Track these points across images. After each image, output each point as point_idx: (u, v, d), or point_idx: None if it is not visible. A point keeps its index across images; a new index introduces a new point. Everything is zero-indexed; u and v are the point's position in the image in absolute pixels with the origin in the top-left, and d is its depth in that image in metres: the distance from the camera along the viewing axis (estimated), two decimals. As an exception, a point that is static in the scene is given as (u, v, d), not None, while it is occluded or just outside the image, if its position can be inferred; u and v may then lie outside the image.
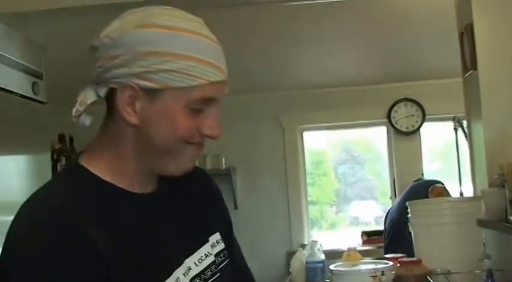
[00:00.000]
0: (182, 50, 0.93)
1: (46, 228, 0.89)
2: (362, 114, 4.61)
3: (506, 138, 2.27)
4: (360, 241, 4.55)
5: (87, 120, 1.02)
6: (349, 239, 4.64)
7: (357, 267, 2.21)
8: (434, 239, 2.34)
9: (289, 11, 3.33)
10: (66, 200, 0.93)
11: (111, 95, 0.98)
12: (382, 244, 3.84)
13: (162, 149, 0.98)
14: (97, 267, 0.88)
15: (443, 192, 2.44)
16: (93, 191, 0.97)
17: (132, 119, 0.96)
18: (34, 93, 2.50)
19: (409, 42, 3.82)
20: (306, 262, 3.22)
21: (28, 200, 0.97)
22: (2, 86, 2.25)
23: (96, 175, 0.98)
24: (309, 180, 4.93)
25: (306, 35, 3.61)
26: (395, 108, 4.55)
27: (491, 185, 2.20)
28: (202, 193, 1.16)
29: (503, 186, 1.95)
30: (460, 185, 4.00)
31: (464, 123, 3.29)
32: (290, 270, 3.39)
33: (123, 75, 0.94)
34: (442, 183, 2.86)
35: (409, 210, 2.46)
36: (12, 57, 2.34)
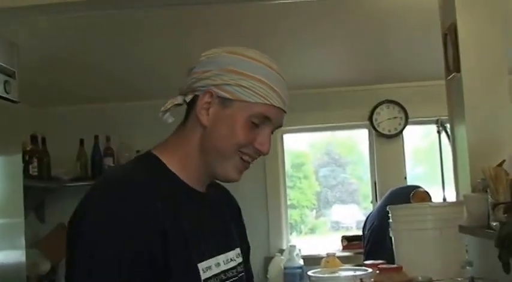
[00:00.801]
0: (256, 73, 1.20)
1: (126, 198, 1.10)
2: (344, 116, 4.54)
3: (489, 142, 2.23)
4: (340, 246, 4.47)
5: (169, 119, 1.28)
6: (330, 244, 4.58)
7: (336, 274, 2.16)
8: (415, 245, 2.29)
9: (270, 10, 3.28)
10: (143, 180, 1.15)
11: (192, 102, 1.23)
12: (362, 250, 3.80)
13: (219, 150, 1.21)
14: (158, 237, 1.09)
15: (426, 197, 2.40)
16: (162, 177, 1.19)
17: (205, 120, 1.21)
18: (6, 92, 2.44)
19: (392, 43, 3.78)
20: (284, 268, 3.18)
21: (105, 177, 1.24)
22: (-27, 84, 2.18)
23: (165, 164, 1.22)
24: (289, 183, 4.86)
25: (285, 34, 3.56)
26: (378, 110, 4.48)
27: (473, 190, 2.16)
28: (229, 208, 1.41)
29: (486, 191, 1.92)
30: (444, 190, 3.96)
31: (448, 126, 3.27)
32: (267, 276, 3.34)
33: (207, 85, 1.21)
34: (422, 188, 2.82)
35: (390, 215, 2.41)
36: (-16, 56, 2.28)
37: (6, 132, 2.48)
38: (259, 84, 1.20)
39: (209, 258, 1.20)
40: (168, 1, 2.63)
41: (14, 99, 2.51)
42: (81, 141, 4.33)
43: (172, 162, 1.23)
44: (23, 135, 3.20)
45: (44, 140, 4.11)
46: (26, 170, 3.57)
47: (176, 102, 1.26)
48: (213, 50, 1.26)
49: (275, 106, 1.21)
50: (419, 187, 2.74)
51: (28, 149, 3.78)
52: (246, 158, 1.23)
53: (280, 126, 1.26)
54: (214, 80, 1.20)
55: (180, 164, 1.23)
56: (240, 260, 1.33)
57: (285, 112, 1.25)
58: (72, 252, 1.08)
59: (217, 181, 1.30)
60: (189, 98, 1.24)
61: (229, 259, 1.28)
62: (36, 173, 3.84)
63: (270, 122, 1.23)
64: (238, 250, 1.34)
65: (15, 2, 2.52)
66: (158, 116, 1.27)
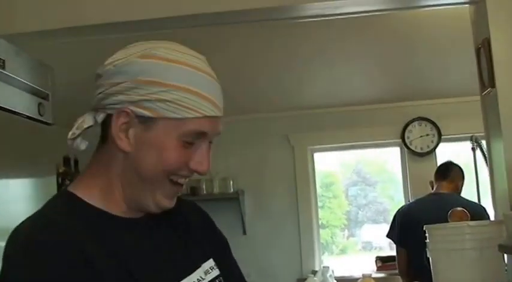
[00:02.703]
0: (180, 81, 0.96)
1: (42, 240, 0.90)
2: (374, 134, 4.51)
3: (528, 158, 2.18)
4: (374, 267, 4.39)
5: (82, 145, 1.05)
6: (362, 264, 4.51)
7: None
8: (453, 265, 2.23)
9: (301, 30, 3.28)
10: (53, 224, 0.94)
11: (107, 122, 1.01)
12: (397, 270, 3.73)
13: (145, 178, 0.99)
14: (90, 274, 0.89)
15: (464, 215, 2.34)
16: (81, 216, 0.97)
17: (124, 145, 0.99)
18: (40, 114, 2.47)
19: (422, 59, 3.76)
20: (318, 289, 3.12)
21: (17, 227, 0.97)
22: (8, 107, 2.22)
23: (84, 201, 1.00)
24: (318, 203, 4.82)
25: (317, 53, 3.56)
26: (410, 127, 4.44)
27: (513, 208, 2.11)
28: (192, 221, 1.17)
29: (527, 209, 1.87)
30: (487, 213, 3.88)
31: (483, 142, 3.21)
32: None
33: (121, 102, 0.98)
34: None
35: (427, 234, 2.36)
36: (19, 78, 2.32)
37: (40, 154, 2.51)
38: (184, 94, 0.96)
39: None
40: (198, 22, 2.65)
41: (47, 122, 2.53)
42: (113, 163, 4.36)
43: (94, 197, 1.00)
44: (56, 158, 3.23)
45: (76, 162, 4.16)
46: (59, 192, 3.60)
47: (86, 126, 1.03)
48: (120, 52, 1.02)
49: (209, 116, 0.98)
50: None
51: (61, 171, 3.82)
52: (181, 180, 1.02)
53: (219, 134, 1.02)
54: (129, 95, 0.96)
55: (104, 196, 1.01)
56: (214, 273, 1.12)
57: (219, 117, 1.01)
58: None
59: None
60: (100, 117, 1.02)
61: (196, 280, 1.07)
62: (69, 195, 3.87)
63: (206, 135, 1.00)
64: (209, 263, 1.12)
65: (47, 25, 2.56)
66: (67, 145, 1.04)
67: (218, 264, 1.14)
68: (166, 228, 1.09)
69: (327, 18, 2.68)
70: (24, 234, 0.93)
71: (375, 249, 4.92)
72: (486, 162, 3.18)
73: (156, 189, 1.01)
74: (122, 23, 2.55)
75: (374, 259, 4.45)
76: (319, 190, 4.85)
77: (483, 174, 3.66)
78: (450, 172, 3.63)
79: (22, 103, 2.34)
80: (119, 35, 2.91)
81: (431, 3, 2.65)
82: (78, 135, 1.04)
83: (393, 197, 5.00)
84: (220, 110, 1.01)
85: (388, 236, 3.75)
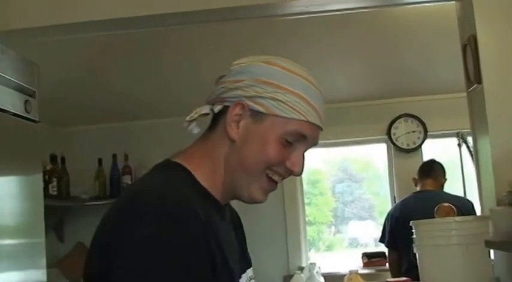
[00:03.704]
0: (294, 87, 1.09)
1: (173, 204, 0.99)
2: (361, 131, 4.52)
3: (514, 153, 2.20)
4: (361, 263, 4.40)
5: (195, 129, 1.18)
6: (348, 261, 4.52)
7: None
8: (440, 261, 2.24)
9: (287, 27, 3.28)
10: (185, 196, 1.03)
11: (220, 113, 1.13)
12: (384, 267, 3.75)
13: (246, 167, 1.10)
14: (209, 259, 0.99)
15: (451, 211, 2.36)
16: (196, 191, 1.08)
17: (234, 133, 1.10)
18: (26, 111, 2.45)
19: (408, 56, 3.77)
20: (305, 286, 3.13)
21: (141, 192, 1.04)
22: (-6, 104, 2.20)
23: (195, 177, 1.11)
24: (305, 200, 4.83)
25: (303, 51, 3.56)
26: (396, 124, 4.45)
27: (499, 204, 2.12)
28: (237, 222, 1.31)
29: (513, 204, 1.88)
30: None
31: (469, 139, 3.23)
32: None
33: (238, 96, 1.10)
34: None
35: (413, 230, 2.37)
36: (5, 75, 2.31)
37: (26, 151, 2.49)
38: (296, 98, 1.09)
39: (239, 278, 1.14)
40: (184, 20, 2.64)
41: (34, 119, 2.52)
42: (100, 161, 4.35)
43: (201, 176, 1.12)
44: (43, 155, 3.21)
45: (63, 159, 4.13)
46: (45, 190, 3.57)
47: (203, 112, 1.15)
48: (246, 58, 1.16)
49: (312, 123, 1.10)
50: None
51: (48, 168, 3.80)
52: (275, 177, 1.13)
53: (316, 144, 1.15)
54: (247, 91, 1.10)
55: (209, 178, 1.12)
56: (254, 276, 1.27)
57: (322, 129, 1.14)
58: (124, 274, 0.93)
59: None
60: (217, 108, 1.13)
61: (249, 277, 1.22)
62: (55, 193, 3.86)
63: (305, 140, 1.12)
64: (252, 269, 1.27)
65: (34, 22, 2.54)
66: (183, 127, 1.16)
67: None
68: (233, 222, 1.25)
69: (312, 15, 2.69)
70: (163, 199, 0.99)
71: (361, 245, 4.94)
72: (472, 158, 3.20)
73: (253, 181, 1.11)
74: (110, 21, 2.53)
75: (360, 255, 4.46)
76: (305, 187, 4.86)
77: (469, 170, 3.70)
78: (434, 170, 3.66)
79: (8, 100, 2.33)
80: (108, 33, 2.90)
81: (418, 0, 2.66)
82: (194, 120, 1.16)
83: (379, 193, 5.03)
84: (322, 123, 1.13)
85: (380, 240, 3.77)
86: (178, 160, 1.13)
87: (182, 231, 0.95)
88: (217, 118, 1.15)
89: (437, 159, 3.80)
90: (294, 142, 1.10)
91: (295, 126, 1.09)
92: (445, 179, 3.67)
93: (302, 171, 1.13)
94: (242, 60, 1.15)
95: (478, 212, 3.42)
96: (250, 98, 1.09)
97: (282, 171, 1.13)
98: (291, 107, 1.08)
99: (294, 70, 1.12)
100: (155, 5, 2.50)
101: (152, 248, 0.92)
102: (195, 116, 1.15)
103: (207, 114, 1.15)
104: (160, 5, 2.49)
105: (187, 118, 1.16)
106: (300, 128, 1.10)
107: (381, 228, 3.81)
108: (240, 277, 1.16)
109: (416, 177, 3.73)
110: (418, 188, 3.69)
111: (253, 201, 1.14)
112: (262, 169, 1.10)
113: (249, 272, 1.23)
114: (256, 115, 1.10)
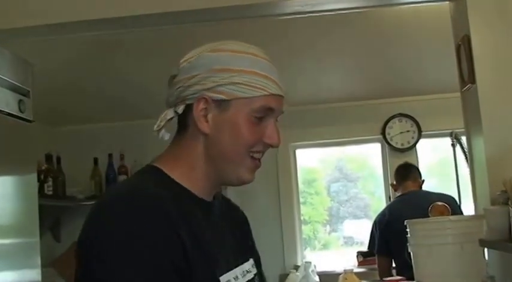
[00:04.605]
0: (246, 67, 1.12)
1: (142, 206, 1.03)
2: (356, 131, 4.53)
3: (508, 153, 2.20)
4: (356, 262, 4.41)
5: (166, 136, 1.20)
6: (344, 259, 4.53)
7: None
8: (435, 260, 2.25)
9: (281, 28, 3.28)
10: (152, 191, 1.06)
11: (184, 113, 1.16)
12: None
13: (228, 157, 1.14)
14: (178, 246, 1.02)
15: (445, 210, 2.37)
16: (169, 188, 1.10)
17: (205, 128, 1.13)
18: (20, 111, 2.44)
19: (402, 56, 3.78)
20: (301, 284, 3.13)
21: (111, 194, 1.12)
22: (-13, 104, 2.19)
23: (168, 176, 1.13)
24: (300, 199, 4.84)
25: (298, 51, 3.56)
26: (390, 124, 4.47)
27: (493, 203, 2.13)
28: (237, 218, 1.35)
29: (507, 203, 1.89)
30: (460, 204, 3.92)
31: (463, 138, 3.24)
32: (284, 293, 3.30)
33: (198, 91, 1.12)
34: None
35: (408, 229, 2.38)
36: None
37: (21, 151, 2.48)
38: (252, 76, 1.12)
39: (227, 271, 1.14)
40: (179, 19, 2.64)
41: (28, 118, 2.51)
42: (95, 160, 4.34)
43: (179, 175, 1.14)
44: (37, 155, 3.20)
45: (58, 159, 4.12)
46: (41, 189, 3.57)
47: (168, 117, 1.18)
48: (191, 52, 1.17)
49: (274, 94, 1.14)
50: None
51: (43, 168, 3.78)
52: (256, 155, 1.16)
53: (282, 112, 1.18)
54: (204, 84, 1.12)
55: (185, 176, 1.15)
56: (255, 270, 1.28)
57: (283, 97, 1.17)
58: (90, 272, 1.00)
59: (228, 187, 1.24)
60: (180, 108, 1.16)
61: (245, 271, 1.22)
62: (51, 192, 3.84)
63: (273, 112, 1.15)
64: (252, 260, 1.29)
65: (29, 22, 2.53)
66: (154, 136, 1.19)
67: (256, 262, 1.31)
68: (229, 217, 1.28)
69: (307, 15, 2.69)
70: (130, 195, 1.05)
71: (356, 244, 4.94)
72: (466, 158, 3.21)
73: (239, 166, 1.15)
74: (104, 20, 2.52)
75: (355, 254, 4.47)
76: (301, 186, 4.86)
77: (463, 170, 3.70)
78: (412, 172, 3.68)
79: (2, 100, 2.32)
80: (102, 32, 2.90)
81: (411, 0, 2.67)
82: (162, 127, 1.19)
83: (374, 192, 5.04)
84: (281, 89, 1.16)
85: (369, 248, 3.76)
86: (156, 164, 1.17)
87: (139, 229, 1.00)
88: (184, 118, 1.17)
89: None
90: (263, 117, 1.14)
91: (261, 102, 1.12)
92: (423, 180, 3.69)
93: (280, 141, 1.17)
94: (188, 55, 1.17)
95: (463, 206, 3.45)
96: (209, 89, 1.12)
97: (262, 148, 1.17)
98: (250, 86, 1.11)
99: (241, 50, 1.15)
100: (151, 4, 2.49)
101: (110, 246, 0.99)
102: (162, 123, 1.18)
103: (172, 117, 1.18)
104: (156, 4, 2.49)
105: (155, 127, 1.19)
106: (265, 102, 1.13)
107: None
108: (232, 269, 1.17)
109: (395, 182, 3.74)
110: (399, 193, 3.69)
111: (242, 183, 1.17)
112: (244, 152, 1.14)
113: (246, 265, 1.24)
114: (220, 104, 1.12)
